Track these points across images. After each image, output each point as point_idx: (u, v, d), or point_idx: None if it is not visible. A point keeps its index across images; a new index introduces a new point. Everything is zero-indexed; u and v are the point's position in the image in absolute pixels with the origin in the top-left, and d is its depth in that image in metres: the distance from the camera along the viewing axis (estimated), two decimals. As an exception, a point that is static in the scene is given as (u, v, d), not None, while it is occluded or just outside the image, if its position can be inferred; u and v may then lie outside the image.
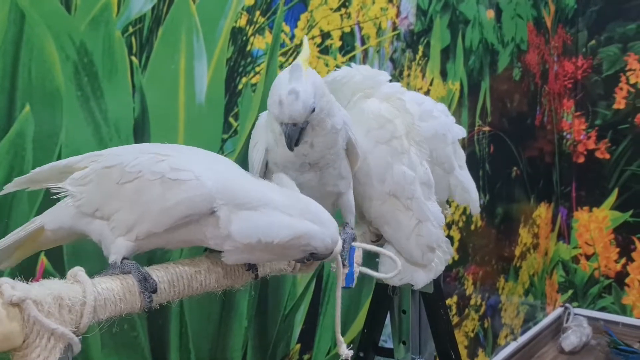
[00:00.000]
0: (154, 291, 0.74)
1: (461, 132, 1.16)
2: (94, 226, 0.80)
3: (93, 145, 1.15)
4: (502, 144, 2.66)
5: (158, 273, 0.77)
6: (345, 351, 0.94)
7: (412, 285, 1.09)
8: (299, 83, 0.85)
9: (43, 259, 1.11)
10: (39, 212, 1.09)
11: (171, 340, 1.34)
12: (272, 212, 0.78)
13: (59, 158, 1.10)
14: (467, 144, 2.39)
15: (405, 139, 1.02)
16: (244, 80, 1.45)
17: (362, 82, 1.06)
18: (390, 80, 1.11)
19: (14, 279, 0.66)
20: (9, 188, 0.87)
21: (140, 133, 1.24)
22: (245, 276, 0.89)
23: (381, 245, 1.06)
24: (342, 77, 1.11)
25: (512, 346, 2.89)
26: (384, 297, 1.26)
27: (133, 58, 1.22)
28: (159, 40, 1.26)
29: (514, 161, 2.81)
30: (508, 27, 2.61)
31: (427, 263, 1.07)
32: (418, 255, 1.05)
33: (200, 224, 0.78)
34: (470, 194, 1.17)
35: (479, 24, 2.38)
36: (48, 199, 1.10)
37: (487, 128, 2.53)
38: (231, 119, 1.43)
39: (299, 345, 1.68)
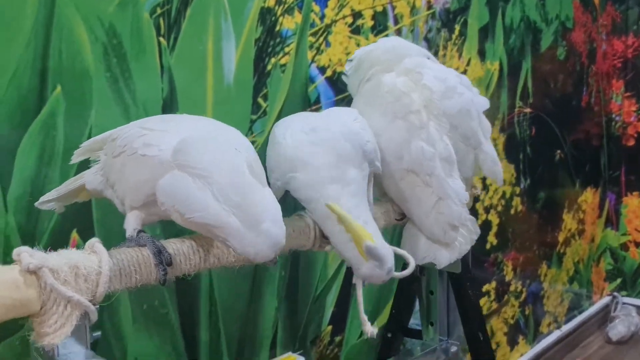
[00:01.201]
0: (169, 264, 0.76)
1: (485, 103, 1.12)
2: (113, 197, 0.84)
3: (122, 125, 1.18)
4: (544, 126, 2.58)
5: (174, 246, 0.78)
6: (370, 329, 0.93)
7: (436, 265, 1.07)
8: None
9: (75, 235, 1.15)
10: (62, 216, 1.13)
11: (201, 318, 1.37)
12: (202, 189, 0.72)
13: (89, 138, 1.13)
14: (507, 126, 2.33)
15: (424, 112, 1.00)
16: (272, 60, 1.45)
17: (382, 55, 1.04)
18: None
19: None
20: (76, 157, 0.94)
21: (169, 113, 1.25)
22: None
23: (404, 224, 1.05)
24: (366, 52, 1.09)
25: (556, 335, 2.82)
26: (412, 277, 1.24)
27: (161, 39, 1.23)
28: (186, 21, 1.27)
29: (558, 144, 2.72)
30: (552, 4, 2.52)
31: (450, 242, 1.05)
32: (439, 233, 1.03)
33: None
34: (497, 166, 1.13)
35: (520, 1, 2.31)
36: (68, 207, 1.13)
37: (528, 110, 2.46)
38: (260, 100, 1.43)
39: (330, 327, 1.69)
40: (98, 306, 0.71)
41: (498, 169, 1.13)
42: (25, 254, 0.66)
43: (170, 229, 1.16)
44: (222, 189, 0.72)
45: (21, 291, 0.63)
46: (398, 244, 1.14)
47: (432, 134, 1.00)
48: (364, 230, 0.88)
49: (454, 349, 1.25)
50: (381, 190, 1.08)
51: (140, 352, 1.26)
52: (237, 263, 0.84)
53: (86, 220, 1.15)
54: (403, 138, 1.00)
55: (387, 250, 0.89)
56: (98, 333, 0.72)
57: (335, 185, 0.92)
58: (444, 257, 1.07)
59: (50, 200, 0.94)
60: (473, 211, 2.22)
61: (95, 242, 0.72)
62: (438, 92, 1.01)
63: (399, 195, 1.02)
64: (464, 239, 1.08)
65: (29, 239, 1.07)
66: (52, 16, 1.08)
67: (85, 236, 1.15)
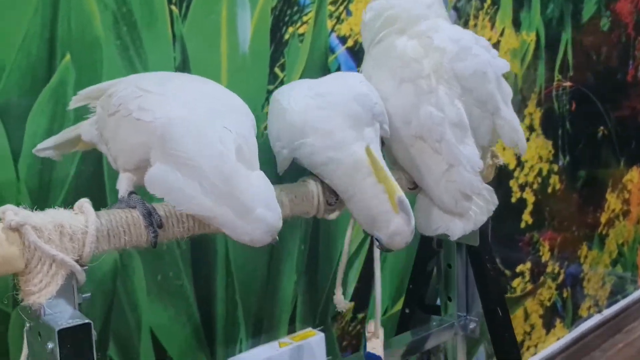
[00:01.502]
0: (160, 226, 0.74)
1: (505, 66, 1.05)
2: (107, 153, 0.82)
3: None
4: (586, 101, 2.46)
5: (166, 209, 0.76)
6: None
7: (449, 237, 1.03)
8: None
9: (88, 204, 1.15)
10: (82, 160, 1.13)
11: (217, 291, 1.36)
12: (190, 181, 0.69)
13: (100, 106, 1.12)
14: (544, 100, 2.23)
15: (433, 77, 0.95)
16: (290, 29, 1.42)
17: (397, 15, 0.99)
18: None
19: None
20: (75, 102, 0.91)
21: (181, 83, 1.24)
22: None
23: (416, 194, 1.00)
24: (383, 7, 1.04)
25: (596, 319, 2.71)
26: (429, 250, 1.20)
27: (173, 7, 1.22)
28: (199, -11, 1.25)
29: (601, 120, 2.59)
30: (595, -29, 2.39)
31: (462, 212, 1.00)
32: (450, 202, 0.98)
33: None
34: (518, 134, 1.06)
35: (559, -31, 2.19)
36: (80, 175, 1.14)
37: (568, 83, 2.34)
38: (277, 70, 1.40)
39: (352, 303, 1.66)
40: (87, 267, 0.70)
41: (518, 136, 1.06)
42: (10, 212, 0.65)
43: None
44: (209, 178, 0.69)
45: (3, 248, 0.63)
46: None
47: (442, 98, 0.95)
48: (395, 182, 0.88)
49: (472, 325, 1.20)
50: (391, 158, 1.03)
51: (155, 323, 1.26)
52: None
53: (99, 189, 1.16)
54: (411, 103, 0.95)
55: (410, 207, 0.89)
56: (87, 294, 0.71)
57: (359, 143, 0.90)
58: (458, 228, 1.02)
59: (47, 148, 0.93)
60: (507, 188, 2.15)
61: (83, 202, 0.72)
62: (450, 54, 0.96)
63: (409, 163, 0.97)
64: (480, 209, 1.02)
65: (42, 207, 1.08)
66: (61, -17, 1.07)
67: (98, 205, 1.16)
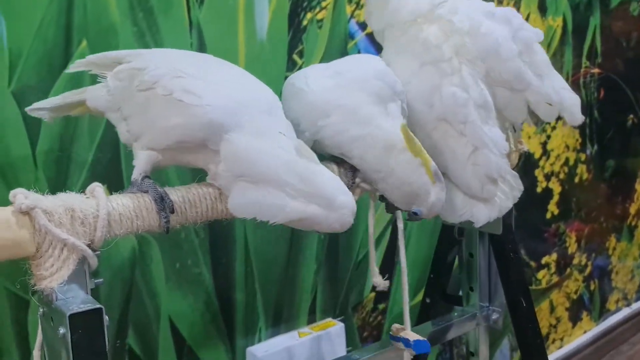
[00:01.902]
0: (172, 211, 0.73)
1: (534, 35, 0.98)
2: (120, 126, 0.80)
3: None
4: (615, 89, 2.39)
5: (178, 193, 0.75)
6: (380, 282, 0.89)
7: (474, 224, 0.99)
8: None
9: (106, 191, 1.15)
10: (100, 147, 1.13)
11: (236, 279, 1.35)
12: (274, 192, 0.73)
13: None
14: (571, 87, 2.17)
15: (456, 59, 0.91)
16: (308, 15, 1.39)
17: (415, 9, 0.95)
18: None
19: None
20: (76, 66, 0.87)
21: (198, 69, 1.23)
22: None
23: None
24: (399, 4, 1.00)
25: (625, 312, 2.65)
26: (450, 239, 1.17)
27: (189, -7, 1.20)
28: (216, -26, 1.23)
29: (630, 108, 2.51)
30: (625, -46, 2.31)
31: (488, 197, 0.96)
32: (476, 187, 0.95)
33: (200, 154, 0.76)
34: (560, 104, 0.99)
35: (588, -49, 2.12)
36: (109, 134, 1.13)
37: (596, 70, 2.27)
38: (295, 56, 1.38)
39: (373, 294, 1.64)
40: (99, 252, 0.69)
41: (560, 107, 0.99)
42: (20, 195, 0.65)
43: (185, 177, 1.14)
44: (290, 184, 0.74)
45: (13, 231, 0.62)
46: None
47: (465, 78, 0.91)
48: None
49: (495, 315, 1.17)
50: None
51: (174, 311, 1.26)
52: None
53: (116, 175, 1.16)
54: (433, 84, 0.92)
55: None
56: (100, 280, 0.70)
57: (386, 118, 0.89)
58: (482, 215, 0.98)
59: (42, 109, 0.89)
60: (532, 178, 2.10)
61: (95, 187, 0.71)
62: (465, 31, 0.91)
63: (431, 148, 0.94)
64: (505, 195, 0.99)
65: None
66: (76, -31, 1.06)
67: (116, 192, 1.16)
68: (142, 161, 0.76)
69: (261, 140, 0.75)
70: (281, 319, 1.45)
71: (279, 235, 1.42)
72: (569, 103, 1.02)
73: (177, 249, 1.25)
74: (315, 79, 0.92)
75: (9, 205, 0.66)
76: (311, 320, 1.51)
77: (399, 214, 1.01)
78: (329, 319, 1.54)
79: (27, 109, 0.91)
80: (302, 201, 0.74)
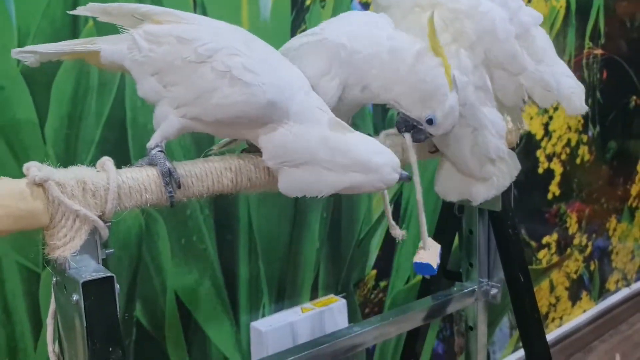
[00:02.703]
0: (179, 186, 0.75)
1: (532, 18, 0.98)
2: (149, 84, 0.78)
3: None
4: (618, 70, 2.39)
5: (185, 167, 0.77)
6: (398, 233, 0.92)
7: (471, 202, 1.02)
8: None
9: (113, 169, 1.17)
10: (106, 126, 1.15)
11: (240, 256, 1.38)
12: (315, 169, 0.78)
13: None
14: (574, 69, 2.17)
15: (454, 45, 0.92)
16: (312, -5, 1.40)
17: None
18: None
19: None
20: (81, 10, 0.83)
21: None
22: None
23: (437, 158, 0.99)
24: None
25: (624, 292, 2.68)
26: (450, 216, 1.19)
27: (194, -28, 1.22)
28: (220, -46, 1.24)
29: (633, 89, 2.52)
30: None
31: (487, 176, 0.98)
32: (475, 167, 0.97)
33: (252, 128, 0.78)
34: (557, 91, 0.98)
35: None
36: (116, 113, 1.15)
37: (599, 51, 2.28)
38: (298, 37, 1.39)
39: (374, 272, 1.67)
40: (110, 223, 0.72)
41: (557, 93, 0.99)
42: (34, 168, 0.67)
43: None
44: (329, 160, 0.78)
45: (28, 202, 0.65)
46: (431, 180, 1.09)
47: (464, 61, 0.92)
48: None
49: (494, 291, 1.20)
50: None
51: (180, 286, 1.29)
52: (252, 188, 0.83)
53: (123, 154, 1.18)
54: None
55: None
56: (111, 250, 0.73)
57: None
58: (480, 193, 1.00)
59: (36, 53, 0.82)
60: (534, 158, 2.12)
61: (105, 160, 0.73)
62: (464, 13, 0.92)
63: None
64: (502, 174, 1.01)
65: (68, 171, 1.11)
66: (82, -52, 1.08)
67: (123, 170, 1.18)
68: (172, 128, 0.77)
69: (299, 124, 0.78)
70: (284, 295, 1.48)
71: (282, 213, 1.44)
72: (568, 91, 1.00)
73: (182, 226, 1.28)
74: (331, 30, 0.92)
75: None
76: (314, 296, 1.54)
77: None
78: (331, 296, 1.57)
79: (15, 50, 0.83)
80: (341, 172, 0.78)
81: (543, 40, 1.02)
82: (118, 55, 0.80)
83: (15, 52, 0.83)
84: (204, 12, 1.24)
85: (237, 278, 1.38)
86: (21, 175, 0.68)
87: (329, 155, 0.78)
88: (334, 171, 0.78)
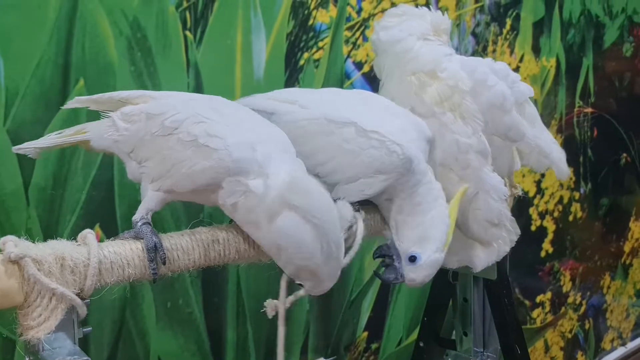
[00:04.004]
0: (164, 262, 0.72)
1: (528, 90, 1.03)
2: (130, 165, 0.80)
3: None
4: (608, 128, 2.41)
5: (172, 240, 0.74)
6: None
7: (471, 269, 0.99)
8: None
9: (98, 230, 1.14)
10: (93, 186, 1.12)
11: (228, 319, 1.34)
12: (314, 236, 0.73)
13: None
14: (565, 127, 2.19)
15: (451, 114, 0.93)
16: (305, 55, 1.41)
17: (419, 64, 0.97)
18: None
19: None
20: (74, 103, 0.88)
21: (195, 108, 1.23)
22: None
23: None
24: (404, 50, 1.01)
25: (620, 352, 2.62)
26: (444, 283, 1.16)
27: (187, 33, 1.22)
28: (214, 15, 1.25)
29: (623, 146, 2.53)
30: (617, -4, 2.36)
31: (492, 240, 0.96)
32: (479, 231, 0.95)
33: (217, 194, 0.76)
34: (550, 157, 1.04)
35: (580, -6, 2.17)
36: (103, 173, 1.13)
37: (589, 110, 2.30)
38: (291, 96, 1.39)
39: (366, 334, 1.62)
40: (88, 300, 0.68)
41: (549, 160, 1.04)
42: (10, 243, 0.64)
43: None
44: (330, 240, 0.74)
45: (2, 281, 0.62)
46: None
47: (463, 127, 0.92)
48: None
49: (489, 361, 1.16)
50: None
51: (164, 351, 1.24)
52: (241, 260, 0.80)
53: (109, 215, 1.15)
54: (435, 131, 0.93)
55: None
56: (88, 328, 0.69)
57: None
58: (481, 260, 0.98)
59: (37, 148, 0.86)
60: (526, 216, 2.10)
61: (87, 234, 0.70)
62: (467, 87, 0.93)
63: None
64: (503, 240, 0.99)
65: (51, 233, 1.07)
66: (76, 9, 1.08)
67: (109, 231, 1.15)
68: (152, 201, 0.77)
69: (318, 186, 0.77)
70: (273, 358, 1.43)
71: (271, 274, 1.40)
72: (557, 157, 1.06)
73: (169, 288, 1.24)
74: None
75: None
76: (303, 359, 1.49)
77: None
78: (321, 359, 1.52)
79: (14, 148, 0.88)
80: (325, 256, 0.75)
81: (532, 109, 1.06)
82: (104, 140, 0.82)
83: (16, 149, 0.88)
84: (197, 73, 1.23)
85: (224, 341, 1.33)
86: (1, 235, 0.65)
87: (334, 238, 0.75)
88: (323, 252, 0.74)
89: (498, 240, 1.00)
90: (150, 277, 0.72)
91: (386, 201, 0.91)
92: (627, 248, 2.63)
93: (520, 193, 1.16)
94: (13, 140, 1.02)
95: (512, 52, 1.94)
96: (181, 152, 0.74)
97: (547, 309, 2.23)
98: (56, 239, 0.71)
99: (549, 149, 1.06)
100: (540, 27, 2.03)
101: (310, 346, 1.50)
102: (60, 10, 1.06)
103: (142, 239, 0.73)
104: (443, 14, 1.03)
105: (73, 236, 1.06)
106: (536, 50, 2.02)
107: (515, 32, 1.93)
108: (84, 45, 1.09)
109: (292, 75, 1.39)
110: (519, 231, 1.04)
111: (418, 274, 0.89)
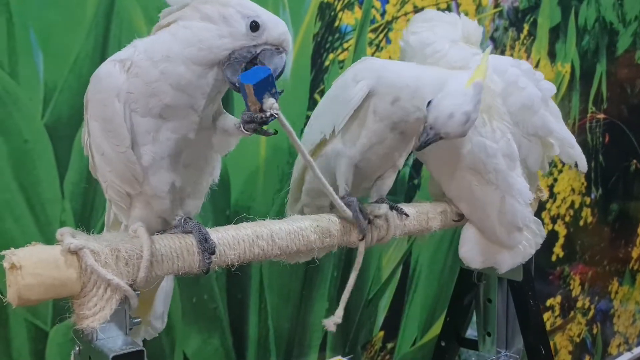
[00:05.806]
0: (212, 253, 0.73)
1: (552, 88, 1.07)
2: None
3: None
4: (619, 134, 2.43)
5: (218, 235, 0.76)
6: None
7: (497, 270, 1.01)
8: (475, 109, 0.84)
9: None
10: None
11: (250, 316, 1.35)
12: None
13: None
14: (577, 132, 2.21)
15: (486, 115, 0.94)
16: (331, 56, 1.42)
17: (451, 63, 0.98)
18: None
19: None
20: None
21: (224, 106, 1.24)
22: (314, 248, 0.85)
23: (462, 225, 0.98)
24: (434, 51, 1.03)
25: (626, 357, 2.64)
26: (468, 283, 1.18)
27: (219, 32, 1.22)
28: (244, 15, 1.26)
29: (634, 153, 2.55)
30: (631, 4, 2.37)
31: (514, 244, 0.98)
32: (503, 234, 0.96)
33: None
34: (575, 150, 1.09)
35: (596, 1, 2.18)
36: None
37: (601, 115, 2.32)
38: (317, 96, 1.41)
39: (382, 333, 1.63)
40: (139, 292, 0.70)
41: (574, 152, 1.09)
42: (68, 235, 0.65)
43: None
44: None
45: (61, 271, 0.63)
46: (456, 247, 1.08)
47: (495, 130, 0.94)
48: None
49: (512, 362, 1.17)
50: (439, 190, 1.02)
51: (189, 346, 1.25)
52: (282, 256, 0.81)
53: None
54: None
55: None
56: (138, 319, 0.71)
57: None
58: (506, 262, 1.00)
59: None
60: (538, 219, 2.12)
61: (138, 227, 0.71)
62: (499, 89, 0.95)
63: (458, 195, 0.96)
64: (528, 242, 1.01)
65: (84, 225, 1.08)
66: (113, 6, 1.09)
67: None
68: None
69: None
70: (292, 356, 1.44)
71: (293, 271, 1.42)
72: (579, 151, 1.10)
73: (194, 284, 1.25)
74: None
75: (34, 233, 0.66)
76: (321, 357, 1.50)
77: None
78: (339, 357, 1.53)
79: None
80: None
81: (554, 105, 1.09)
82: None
83: None
84: (227, 71, 1.24)
85: (246, 338, 1.35)
86: (36, 226, 0.66)
87: None
88: None
89: (523, 243, 1.02)
90: (201, 268, 0.73)
91: None
92: (634, 254, 2.65)
93: (545, 197, 1.18)
94: (51, 134, 1.04)
95: (528, 57, 1.95)
96: None
97: (557, 312, 2.25)
98: (90, 232, 0.72)
99: (573, 142, 1.10)
100: (556, 32, 2.04)
101: (328, 345, 1.51)
102: (98, 7, 1.07)
103: (191, 232, 0.74)
104: (479, 25, 1.04)
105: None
106: (552, 55, 2.04)
107: (532, 37, 1.95)
108: (120, 41, 1.10)
109: (318, 76, 1.40)
110: (544, 234, 1.06)
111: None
